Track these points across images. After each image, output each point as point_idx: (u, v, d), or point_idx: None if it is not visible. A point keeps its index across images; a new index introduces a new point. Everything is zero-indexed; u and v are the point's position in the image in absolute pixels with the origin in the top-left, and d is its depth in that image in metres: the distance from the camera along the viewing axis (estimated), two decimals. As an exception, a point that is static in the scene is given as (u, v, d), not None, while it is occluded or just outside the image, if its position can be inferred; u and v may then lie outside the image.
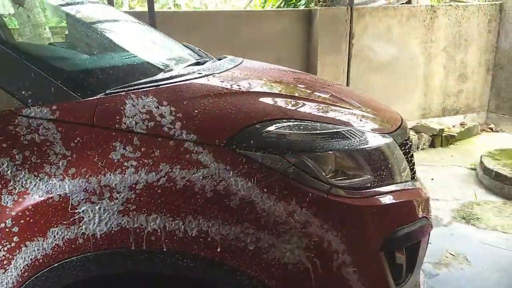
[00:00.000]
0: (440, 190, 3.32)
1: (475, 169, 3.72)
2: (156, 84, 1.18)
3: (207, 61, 1.71)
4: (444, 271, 2.26)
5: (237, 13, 4.10)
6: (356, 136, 1.17)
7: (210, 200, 0.96)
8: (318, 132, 1.12)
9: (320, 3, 3.98)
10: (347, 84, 4.01)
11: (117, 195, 0.95)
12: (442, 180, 3.57)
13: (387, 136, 1.28)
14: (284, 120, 1.13)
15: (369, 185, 1.14)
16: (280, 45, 3.89)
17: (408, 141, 1.45)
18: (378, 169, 1.20)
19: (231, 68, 1.56)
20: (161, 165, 0.98)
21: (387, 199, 1.15)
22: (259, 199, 0.96)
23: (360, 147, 1.17)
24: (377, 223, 1.12)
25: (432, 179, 3.59)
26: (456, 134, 4.47)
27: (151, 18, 3.31)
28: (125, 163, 0.99)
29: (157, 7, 8.94)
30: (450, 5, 4.48)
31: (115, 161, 0.99)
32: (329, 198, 1.03)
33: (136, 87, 1.14)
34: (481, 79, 4.92)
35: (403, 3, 4.53)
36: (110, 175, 0.97)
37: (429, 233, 1.38)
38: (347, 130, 1.17)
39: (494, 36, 4.81)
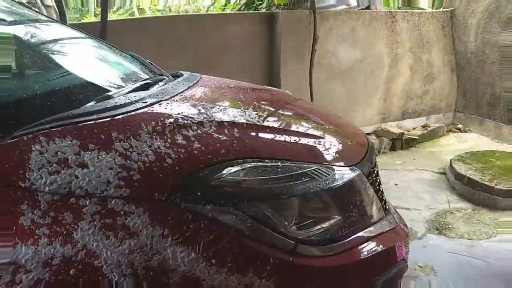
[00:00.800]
0: (410, 198, 3.24)
1: (443, 173, 3.67)
2: (80, 120, 0.96)
3: (159, 80, 1.50)
4: (412, 284, 2.18)
5: (197, 17, 3.86)
6: (323, 175, 1.00)
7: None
8: (279, 176, 0.93)
9: (282, 6, 3.80)
10: (311, 91, 3.86)
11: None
12: (407, 185, 3.49)
13: (356, 168, 1.12)
14: (239, 161, 0.94)
15: (341, 233, 0.97)
16: (243, 50, 3.70)
17: (375, 168, 1.30)
18: (350, 209, 1.04)
19: (183, 91, 1.36)
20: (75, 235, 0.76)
21: (365, 251, 0.98)
22: (206, 274, 0.77)
23: (329, 186, 1.00)
24: (355, 280, 0.95)
25: (396, 184, 3.51)
26: (417, 137, 4.46)
27: (103, 28, 3.04)
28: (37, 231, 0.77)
29: (118, 15, 8.55)
30: (406, 11, 4.45)
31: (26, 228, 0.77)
32: (295, 262, 0.85)
33: (50, 125, 0.91)
34: (447, 79, 4.91)
35: (362, 9, 4.46)
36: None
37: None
38: (313, 170, 0.99)
39: (450, 40, 4.83)
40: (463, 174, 3.26)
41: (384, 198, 1.30)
